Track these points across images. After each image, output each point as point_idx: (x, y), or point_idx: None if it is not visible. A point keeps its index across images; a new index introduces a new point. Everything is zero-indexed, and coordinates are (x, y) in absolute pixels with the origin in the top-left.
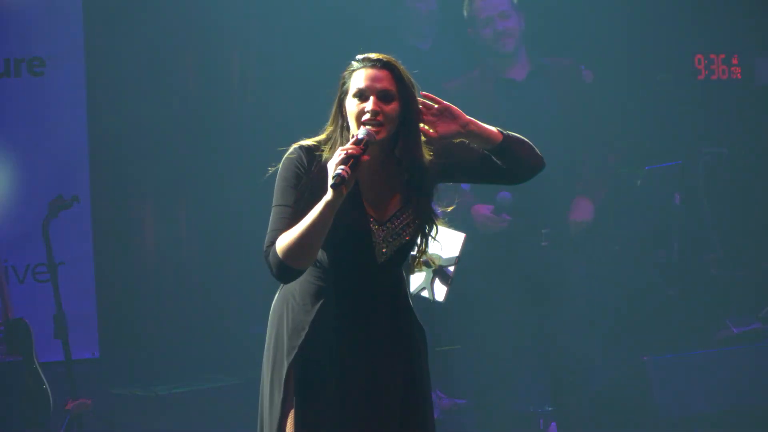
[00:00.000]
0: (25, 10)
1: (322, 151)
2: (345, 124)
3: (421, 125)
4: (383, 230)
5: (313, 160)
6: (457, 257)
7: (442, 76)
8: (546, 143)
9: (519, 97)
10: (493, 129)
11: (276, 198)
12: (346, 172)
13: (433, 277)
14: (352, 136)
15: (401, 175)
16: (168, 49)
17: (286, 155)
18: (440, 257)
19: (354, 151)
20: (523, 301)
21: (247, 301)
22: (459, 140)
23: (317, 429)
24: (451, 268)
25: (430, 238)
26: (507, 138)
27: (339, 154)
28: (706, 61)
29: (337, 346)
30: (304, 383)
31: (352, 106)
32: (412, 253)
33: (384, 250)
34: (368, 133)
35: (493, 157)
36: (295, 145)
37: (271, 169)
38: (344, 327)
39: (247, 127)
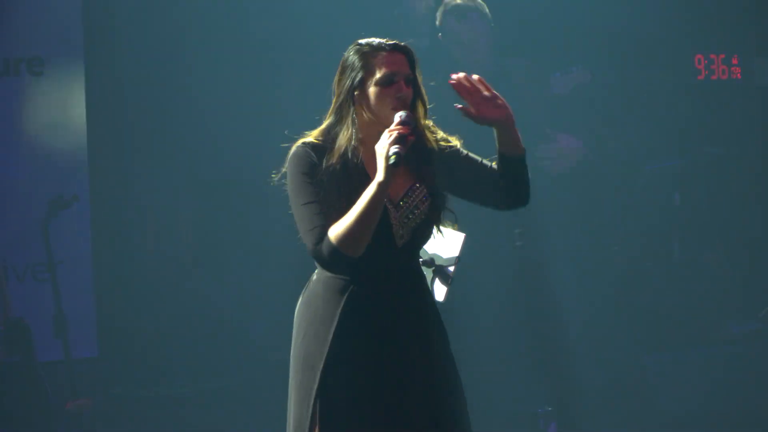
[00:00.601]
0: (24, 9)
1: (326, 143)
2: (358, 111)
3: (460, 106)
4: (398, 210)
5: (321, 153)
6: (458, 257)
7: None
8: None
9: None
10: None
11: (299, 196)
12: (402, 150)
13: (433, 277)
14: (399, 117)
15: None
16: (167, 48)
17: (292, 153)
18: (440, 257)
19: (404, 131)
20: (515, 299)
21: (248, 300)
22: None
23: (351, 418)
24: (451, 268)
25: (443, 214)
26: (525, 155)
27: (389, 136)
28: (706, 61)
29: (367, 336)
30: (337, 376)
31: (379, 91)
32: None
33: (401, 233)
34: (408, 116)
35: (497, 168)
36: (298, 143)
37: (275, 176)
38: (372, 317)
39: (248, 126)
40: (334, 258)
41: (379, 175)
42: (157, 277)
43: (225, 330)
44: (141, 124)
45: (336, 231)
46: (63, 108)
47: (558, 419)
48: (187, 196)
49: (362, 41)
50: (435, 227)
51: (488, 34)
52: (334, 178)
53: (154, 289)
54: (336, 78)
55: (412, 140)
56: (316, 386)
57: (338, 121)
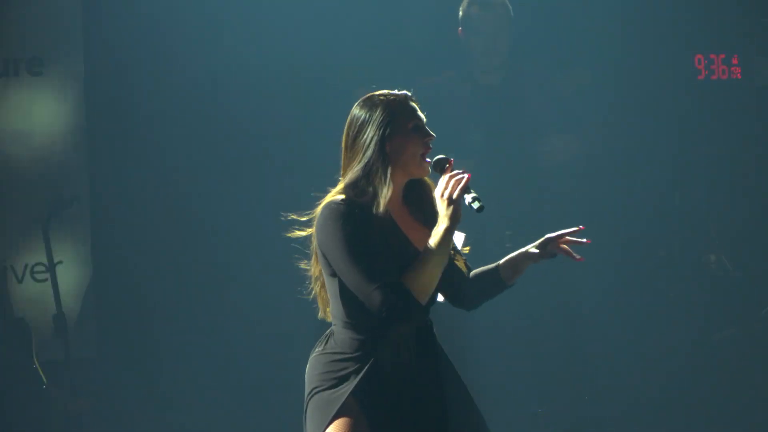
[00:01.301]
0: (24, 10)
1: (353, 199)
2: (387, 159)
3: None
4: None
5: (362, 210)
6: None
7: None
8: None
9: (493, 102)
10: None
11: (355, 253)
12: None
13: None
14: (448, 166)
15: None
16: (167, 49)
17: (336, 210)
18: None
19: (468, 176)
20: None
21: (249, 301)
22: None
23: None
24: None
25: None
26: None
27: (453, 182)
28: (706, 61)
29: (388, 392)
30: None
31: (414, 138)
32: None
33: None
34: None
35: (474, 277)
36: (331, 200)
37: (303, 218)
38: (393, 375)
39: (249, 126)
40: (413, 310)
41: (446, 221)
42: (156, 276)
43: (225, 329)
44: (140, 125)
45: (412, 282)
46: (62, 108)
47: (560, 420)
48: (187, 196)
49: (372, 94)
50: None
51: (509, 27)
52: (382, 234)
53: (153, 289)
54: (352, 132)
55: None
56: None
57: (370, 177)
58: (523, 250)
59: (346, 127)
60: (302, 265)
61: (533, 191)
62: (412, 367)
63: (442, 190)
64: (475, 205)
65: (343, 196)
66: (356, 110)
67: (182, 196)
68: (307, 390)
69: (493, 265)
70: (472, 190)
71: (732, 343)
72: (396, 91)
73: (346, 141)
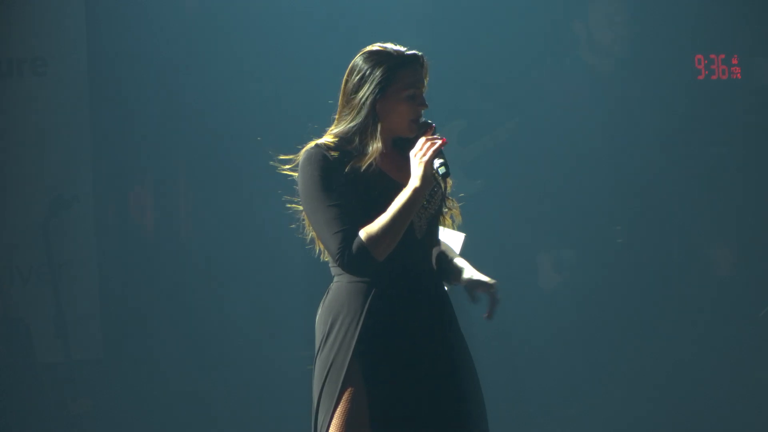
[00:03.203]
0: (27, 9)
1: (342, 145)
2: (377, 119)
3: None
4: None
5: (340, 156)
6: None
7: (437, 77)
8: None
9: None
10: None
11: (318, 199)
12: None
13: None
14: (429, 130)
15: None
16: (170, 48)
17: (308, 155)
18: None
19: (443, 141)
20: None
21: (254, 301)
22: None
23: (375, 413)
24: None
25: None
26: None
27: (428, 145)
28: (706, 61)
29: (392, 335)
30: (362, 375)
31: (405, 107)
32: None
33: (420, 224)
34: (433, 125)
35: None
36: (311, 145)
37: (285, 167)
38: (396, 316)
39: (251, 125)
40: (364, 260)
41: (417, 181)
42: (161, 276)
43: (231, 330)
44: (145, 125)
45: (369, 234)
46: (66, 109)
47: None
48: (192, 196)
49: (380, 48)
50: (442, 218)
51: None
52: (360, 184)
53: (158, 289)
54: (352, 82)
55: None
56: (339, 386)
57: (361, 130)
58: (467, 275)
59: (347, 73)
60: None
61: (529, 189)
62: (416, 327)
63: (417, 151)
64: (441, 170)
65: (323, 141)
66: (360, 61)
67: (186, 196)
68: (316, 347)
69: (451, 258)
70: (443, 156)
71: (732, 344)
72: (405, 51)
73: (344, 90)
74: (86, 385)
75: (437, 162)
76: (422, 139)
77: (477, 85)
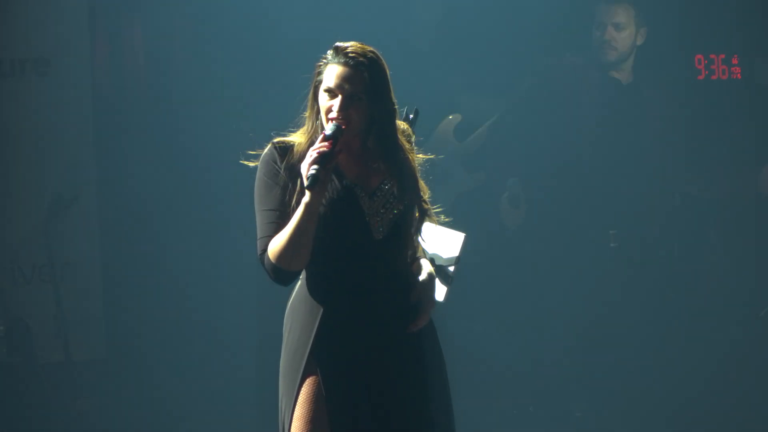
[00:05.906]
0: (30, 10)
1: (299, 144)
2: (319, 112)
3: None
4: (373, 201)
5: (291, 155)
6: (458, 257)
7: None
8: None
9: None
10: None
11: (258, 202)
12: (320, 171)
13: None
14: (321, 134)
15: (378, 156)
16: (174, 49)
17: (262, 154)
18: (441, 257)
19: (325, 149)
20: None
21: (256, 300)
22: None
23: (344, 422)
24: (451, 268)
25: (423, 207)
26: None
27: (310, 155)
28: (706, 61)
29: (351, 336)
30: (324, 378)
31: (323, 100)
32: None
33: (378, 224)
34: (336, 128)
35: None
36: (269, 144)
37: (251, 163)
38: (355, 316)
39: (255, 125)
40: (273, 271)
41: (305, 196)
42: (164, 277)
43: (232, 331)
44: (148, 126)
45: (272, 245)
46: (69, 109)
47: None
48: (194, 196)
49: (336, 44)
50: (418, 230)
51: (628, 32)
52: (295, 184)
53: (161, 290)
54: (311, 88)
55: (338, 153)
56: (296, 387)
57: (316, 128)
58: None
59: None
60: None
61: (529, 189)
62: (368, 346)
63: (304, 162)
64: (307, 182)
65: (279, 140)
66: (321, 61)
67: (190, 195)
68: (283, 339)
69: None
70: (327, 162)
71: (732, 344)
72: (343, 49)
73: (311, 90)
74: (88, 386)
75: (312, 170)
76: (310, 150)
77: (475, 83)
